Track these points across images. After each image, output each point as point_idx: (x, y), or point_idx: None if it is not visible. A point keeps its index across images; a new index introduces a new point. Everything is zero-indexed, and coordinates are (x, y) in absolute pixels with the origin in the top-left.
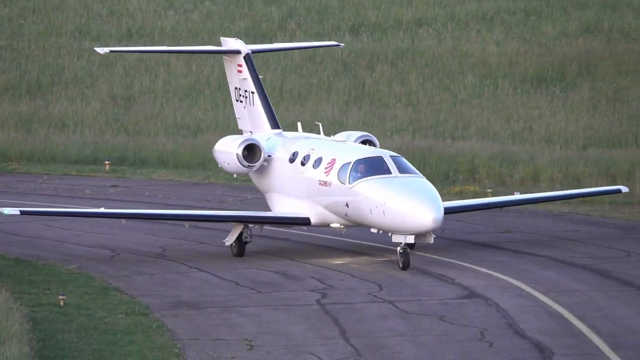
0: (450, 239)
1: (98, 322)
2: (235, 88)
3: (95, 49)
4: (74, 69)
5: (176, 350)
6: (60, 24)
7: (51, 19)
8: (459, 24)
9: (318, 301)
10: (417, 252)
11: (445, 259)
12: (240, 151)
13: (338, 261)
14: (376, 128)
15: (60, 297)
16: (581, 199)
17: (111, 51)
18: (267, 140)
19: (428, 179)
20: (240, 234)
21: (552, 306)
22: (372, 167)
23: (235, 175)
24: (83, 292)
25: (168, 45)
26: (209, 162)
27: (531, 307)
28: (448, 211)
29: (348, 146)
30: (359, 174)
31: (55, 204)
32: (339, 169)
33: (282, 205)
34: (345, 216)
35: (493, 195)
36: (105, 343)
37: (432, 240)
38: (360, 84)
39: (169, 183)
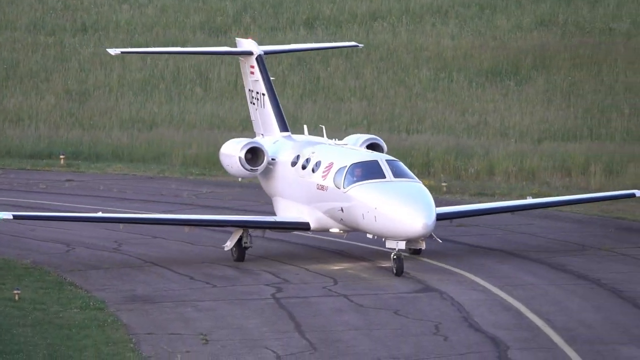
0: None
1: (53, 316)
2: (249, 90)
3: (108, 50)
4: (29, 63)
5: (131, 345)
6: (14, 17)
7: (6, 13)
8: (414, 17)
9: (273, 295)
10: (372, 246)
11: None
12: (242, 154)
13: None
14: (331, 122)
15: (15, 291)
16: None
17: (122, 52)
18: (274, 143)
19: None
20: (240, 239)
21: (507, 300)
22: (367, 172)
23: (240, 179)
24: (38, 287)
25: (122, 40)
26: (163, 156)
27: (486, 300)
28: (457, 216)
29: (347, 150)
30: (353, 179)
31: (10, 199)
32: (335, 173)
33: (284, 210)
34: (340, 221)
35: (448, 188)
36: (60, 337)
37: (423, 246)
38: (315, 77)
39: (124, 177)
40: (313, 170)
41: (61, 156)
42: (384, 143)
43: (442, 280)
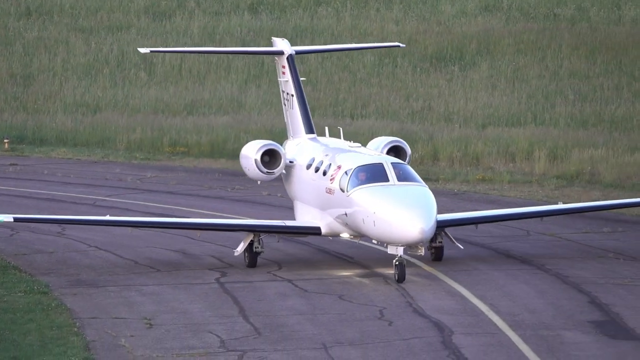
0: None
1: None
2: (282, 91)
3: (138, 49)
4: None
5: (75, 329)
6: None
7: None
8: (358, 2)
9: (217, 280)
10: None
11: (343, 238)
12: (258, 157)
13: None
14: (275, 107)
15: None
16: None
17: (152, 51)
18: (297, 145)
19: None
20: (251, 244)
21: (451, 285)
22: (371, 175)
23: (259, 182)
24: None
25: (67, 24)
26: (107, 141)
27: (430, 285)
28: (481, 221)
29: (357, 152)
30: (356, 182)
31: None
32: (341, 176)
33: (301, 214)
34: (346, 226)
35: None
36: (4, 322)
37: (423, 252)
38: (259, 62)
39: (68, 161)
40: (324, 174)
41: (5, 140)
42: (407, 146)
43: (386, 266)
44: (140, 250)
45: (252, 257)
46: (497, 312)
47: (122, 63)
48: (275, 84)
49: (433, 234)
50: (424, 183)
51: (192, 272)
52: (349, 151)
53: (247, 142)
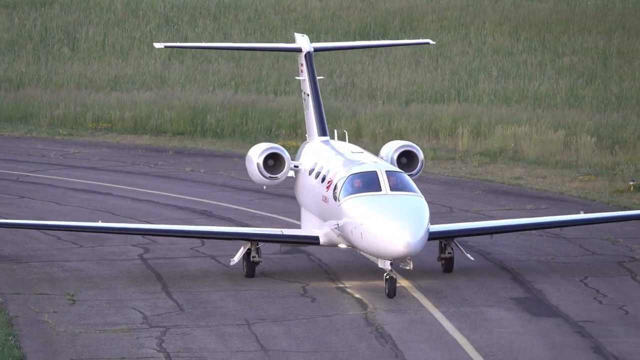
0: (271, 194)
1: None
2: (302, 91)
3: (154, 44)
4: None
5: None
6: None
7: None
8: None
9: (140, 256)
10: (241, 208)
11: (266, 214)
12: (261, 161)
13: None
14: (199, 83)
15: None
16: None
17: (166, 47)
18: (308, 148)
19: (249, 134)
20: (248, 253)
21: (374, 262)
22: (363, 184)
23: (265, 187)
24: None
25: None
26: (30, 116)
27: (353, 262)
28: (496, 231)
29: (356, 159)
30: (348, 191)
31: None
32: (335, 184)
33: (304, 221)
34: (339, 237)
35: None
36: None
37: (411, 267)
38: (183, 38)
39: None
40: (322, 180)
41: None
42: (419, 151)
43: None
44: None
45: (249, 267)
46: (420, 289)
47: (46, 38)
48: (199, 59)
49: (422, 247)
50: (419, 193)
51: (116, 248)
52: (346, 157)
53: (170, 118)
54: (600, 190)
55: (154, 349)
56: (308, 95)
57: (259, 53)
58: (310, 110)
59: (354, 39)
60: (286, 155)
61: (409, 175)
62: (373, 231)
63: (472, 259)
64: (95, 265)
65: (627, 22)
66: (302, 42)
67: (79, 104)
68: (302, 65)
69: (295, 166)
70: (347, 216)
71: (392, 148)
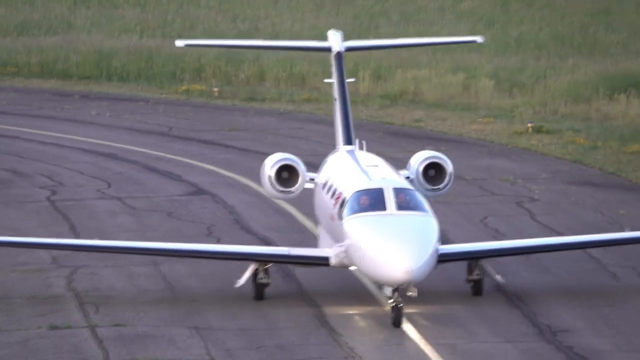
0: (176, 136)
1: None
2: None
3: (176, 42)
4: None
5: None
6: None
7: None
8: None
9: (48, 198)
10: (146, 151)
11: (171, 156)
12: (273, 173)
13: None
14: (104, 28)
15: None
16: None
17: (186, 45)
18: (331, 159)
19: (154, 78)
20: (256, 275)
21: (280, 205)
22: (368, 202)
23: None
24: None
25: None
26: None
27: (257, 203)
28: (530, 251)
29: (367, 172)
30: (352, 209)
31: None
32: (342, 201)
33: (320, 239)
34: (345, 258)
35: (219, 94)
36: None
37: (415, 294)
38: None
39: None
40: (332, 196)
41: None
42: (447, 162)
43: (213, 183)
44: None
45: (257, 289)
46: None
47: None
48: (105, 5)
49: (427, 273)
50: (429, 213)
51: (23, 190)
52: (357, 171)
53: (76, 62)
54: (498, 132)
55: (63, 289)
56: (336, 100)
57: None
58: (337, 117)
59: None
60: (301, 167)
61: (435, 189)
62: (372, 255)
63: (503, 281)
64: (3, 207)
65: None
66: (333, 41)
67: None
68: (332, 66)
69: (311, 179)
70: (348, 237)
71: (418, 159)
